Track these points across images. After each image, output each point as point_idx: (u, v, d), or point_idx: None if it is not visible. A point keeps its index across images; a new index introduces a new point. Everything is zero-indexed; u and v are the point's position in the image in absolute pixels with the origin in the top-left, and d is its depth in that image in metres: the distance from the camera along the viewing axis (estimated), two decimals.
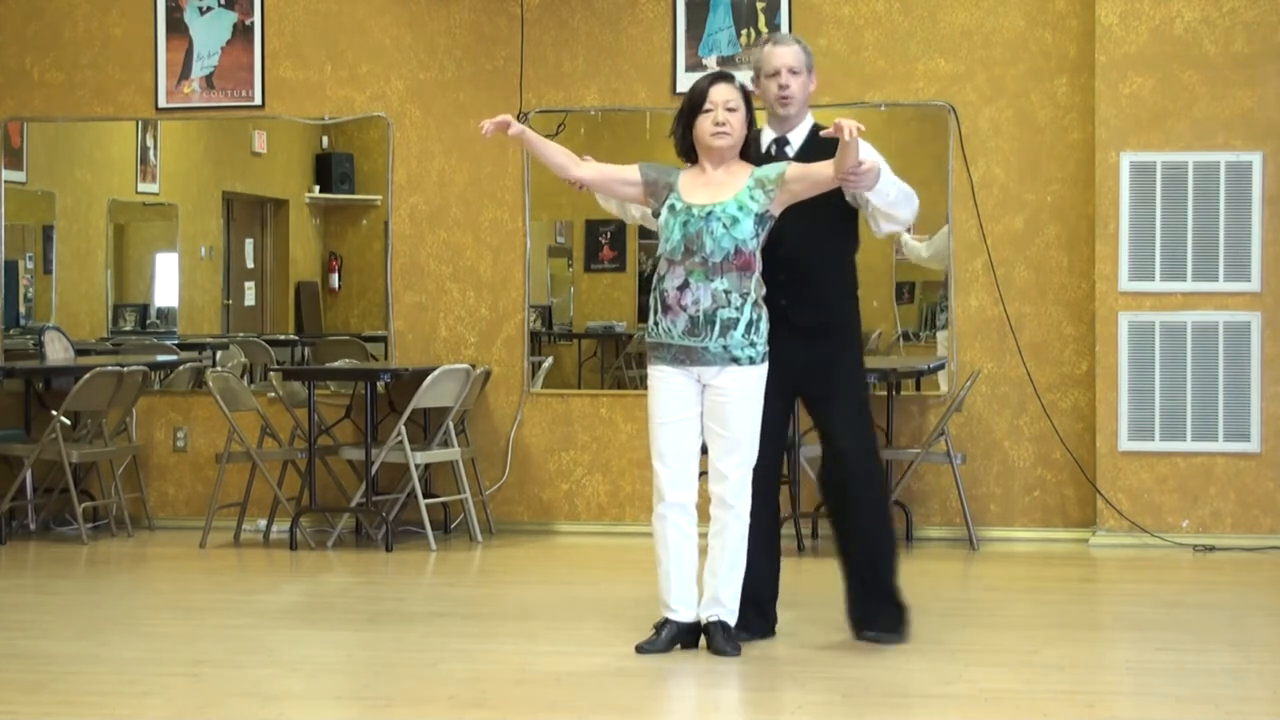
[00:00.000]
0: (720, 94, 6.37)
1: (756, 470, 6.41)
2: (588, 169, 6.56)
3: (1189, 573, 8.66)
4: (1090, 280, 9.51)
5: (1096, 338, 9.42)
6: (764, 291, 6.41)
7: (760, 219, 6.35)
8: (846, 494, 6.59)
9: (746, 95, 6.45)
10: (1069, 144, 9.63)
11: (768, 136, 6.61)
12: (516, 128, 6.47)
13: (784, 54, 6.55)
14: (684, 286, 6.32)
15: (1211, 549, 9.14)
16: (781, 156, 6.51)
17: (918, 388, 9.98)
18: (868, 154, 6.24)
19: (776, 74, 6.53)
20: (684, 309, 6.31)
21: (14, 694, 5.87)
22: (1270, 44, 9.26)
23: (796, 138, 6.58)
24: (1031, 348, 9.62)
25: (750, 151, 6.48)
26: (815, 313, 6.52)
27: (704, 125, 6.37)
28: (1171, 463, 9.33)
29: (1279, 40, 9.26)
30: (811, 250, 6.49)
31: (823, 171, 6.32)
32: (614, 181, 6.56)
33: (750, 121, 6.45)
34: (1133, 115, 9.33)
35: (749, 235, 6.31)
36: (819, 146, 6.40)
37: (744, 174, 6.41)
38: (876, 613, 6.62)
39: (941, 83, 9.73)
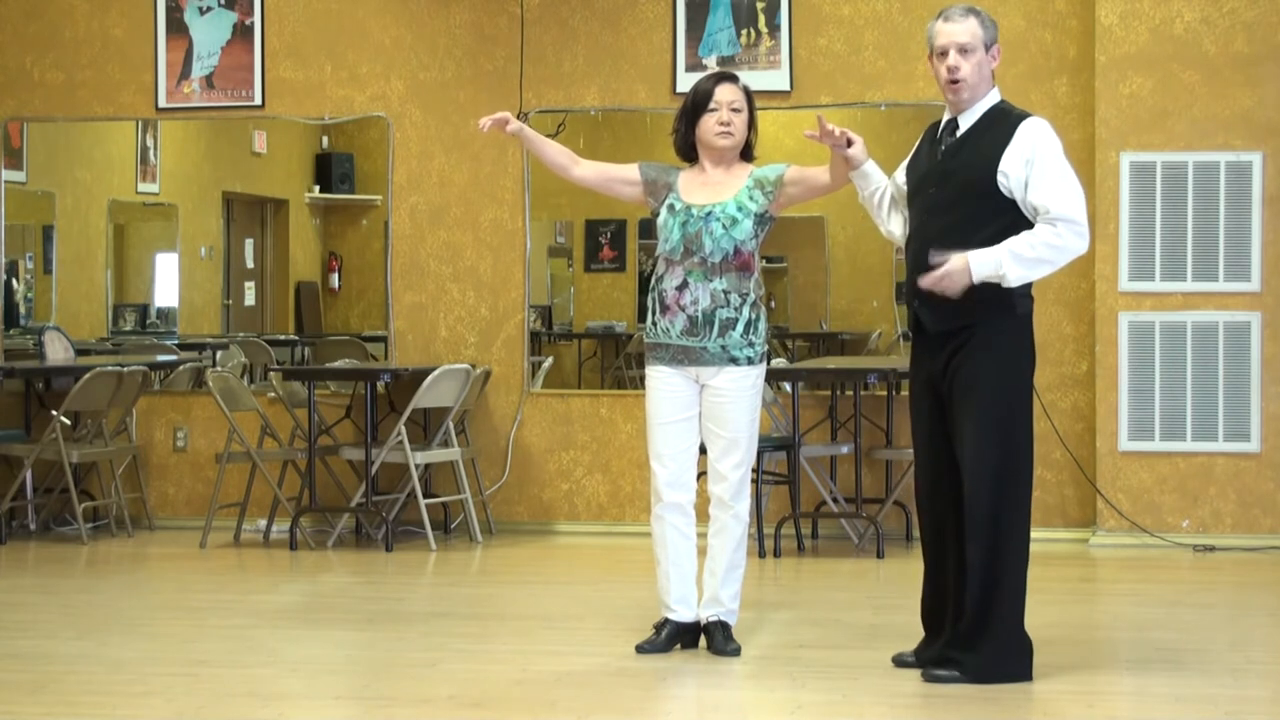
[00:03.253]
0: (725, 94, 6.37)
1: (929, 496, 6.01)
2: (586, 168, 6.57)
3: (1189, 573, 8.66)
4: (1090, 280, 9.51)
5: (1096, 338, 9.42)
6: (762, 291, 6.42)
7: (760, 219, 6.35)
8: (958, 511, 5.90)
9: (749, 96, 6.45)
10: (1069, 144, 9.53)
11: (944, 117, 6.13)
12: (515, 125, 6.48)
13: (954, 30, 5.98)
14: (683, 286, 6.32)
15: (1211, 549, 9.14)
16: (948, 140, 6.04)
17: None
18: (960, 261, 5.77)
19: (945, 54, 6.00)
20: (683, 309, 6.32)
21: (14, 694, 5.88)
22: (1270, 44, 9.26)
23: (967, 120, 6.04)
24: None
25: (750, 152, 6.49)
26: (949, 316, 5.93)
27: (708, 124, 6.37)
28: (1171, 463, 9.33)
29: (1279, 40, 9.26)
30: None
31: (819, 177, 6.33)
32: (613, 180, 6.57)
33: (753, 123, 6.45)
34: (1133, 115, 9.33)
35: (748, 235, 6.31)
36: (991, 131, 5.98)
37: (743, 174, 6.41)
38: (948, 656, 5.93)
39: None
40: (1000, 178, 5.87)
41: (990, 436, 5.80)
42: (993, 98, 6.04)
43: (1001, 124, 5.92)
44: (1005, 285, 5.79)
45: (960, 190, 5.89)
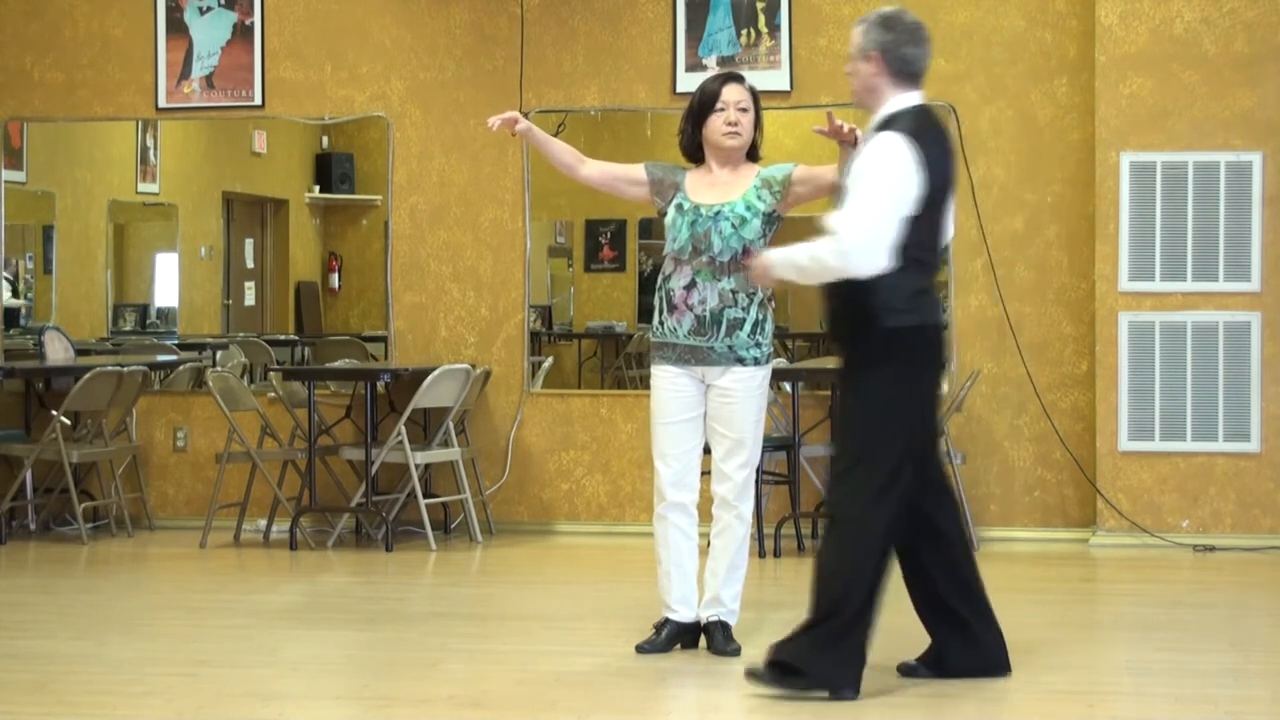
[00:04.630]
0: (732, 94, 6.38)
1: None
2: (593, 167, 6.57)
3: (1189, 573, 8.66)
4: (1090, 280, 9.51)
5: (1096, 338, 9.42)
6: (770, 292, 6.41)
7: (768, 219, 6.36)
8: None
9: (756, 96, 6.46)
10: (1069, 144, 9.63)
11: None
12: (523, 124, 6.49)
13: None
14: (691, 286, 6.32)
15: (1211, 549, 9.14)
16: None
17: None
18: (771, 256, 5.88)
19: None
20: (690, 308, 6.31)
21: (14, 694, 5.88)
22: (1270, 44, 9.26)
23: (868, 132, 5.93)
24: (1031, 348, 9.62)
25: (756, 152, 6.49)
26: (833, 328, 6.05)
27: (716, 124, 6.37)
28: (1171, 463, 9.33)
29: (1279, 40, 9.26)
30: None
31: (827, 175, 6.32)
32: (619, 180, 6.57)
33: (758, 123, 6.45)
34: (1133, 115, 9.33)
35: (757, 235, 6.32)
36: (865, 144, 5.89)
37: (750, 174, 6.42)
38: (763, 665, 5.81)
39: (941, 82, 9.71)
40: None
41: (840, 445, 5.86)
42: (890, 105, 5.78)
43: (869, 137, 5.81)
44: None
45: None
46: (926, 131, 5.73)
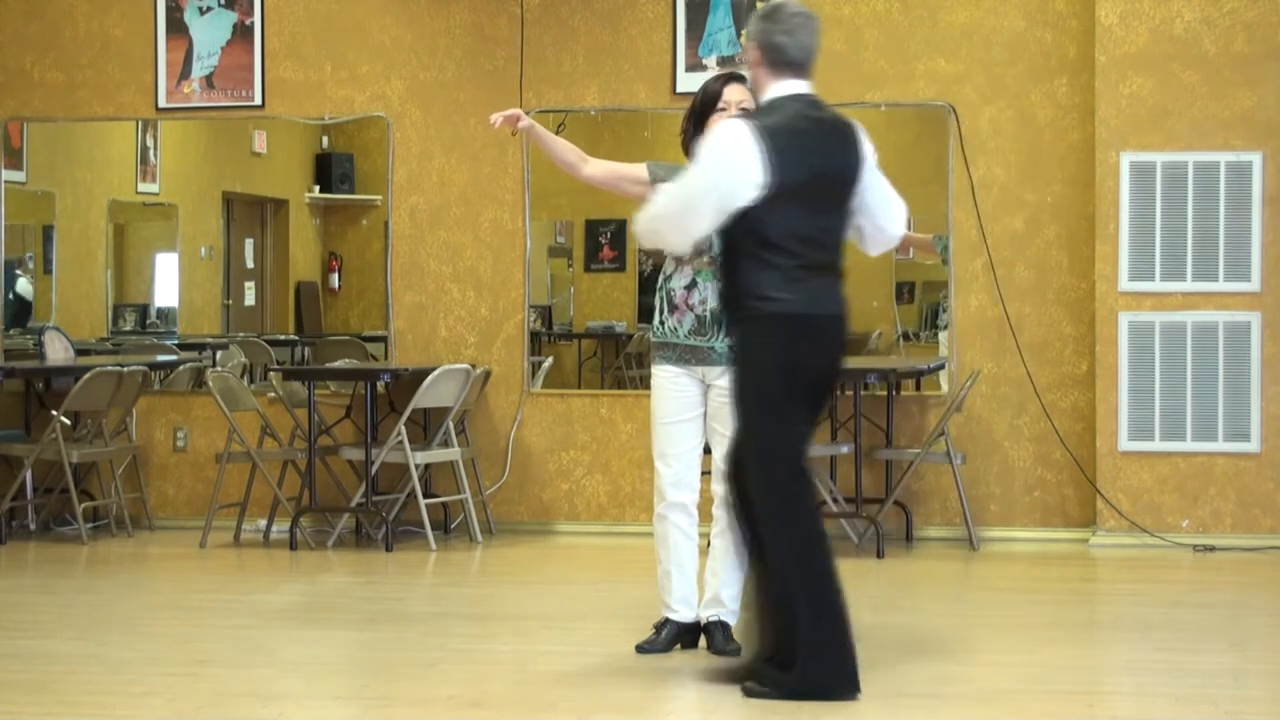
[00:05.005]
0: (734, 94, 6.38)
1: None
2: (595, 166, 6.56)
3: (1189, 573, 8.66)
4: (1090, 280, 9.51)
5: (1096, 338, 9.42)
6: None
7: None
8: None
9: (757, 98, 6.45)
10: (1069, 144, 9.63)
11: None
12: (526, 121, 6.49)
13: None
14: (691, 286, 6.32)
15: (1211, 549, 9.14)
16: None
17: (918, 388, 9.98)
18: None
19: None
20: (691, 308, 6.31)
21: (14, 694, 5.88)
22: (1270, 44, 9.26)
23: None
24: (1031, 348, 9.62)
25: None
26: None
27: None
28: (1171, 463, 9.33)
29: (1279, 40, 9.26)
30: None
31: None
32: (622, 179, 6.56)
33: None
34: (1133, 115, 9.33)
35: None
36: None
37: None
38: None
39: (941, 83, 9.74)
40: None
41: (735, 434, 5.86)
42: (768, 94, 5.88)
43: None
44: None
45: None
46: (786, 122, 5.76)
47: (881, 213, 5.94)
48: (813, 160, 5.74)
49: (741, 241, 5.74)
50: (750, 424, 5.76)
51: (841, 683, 5.66)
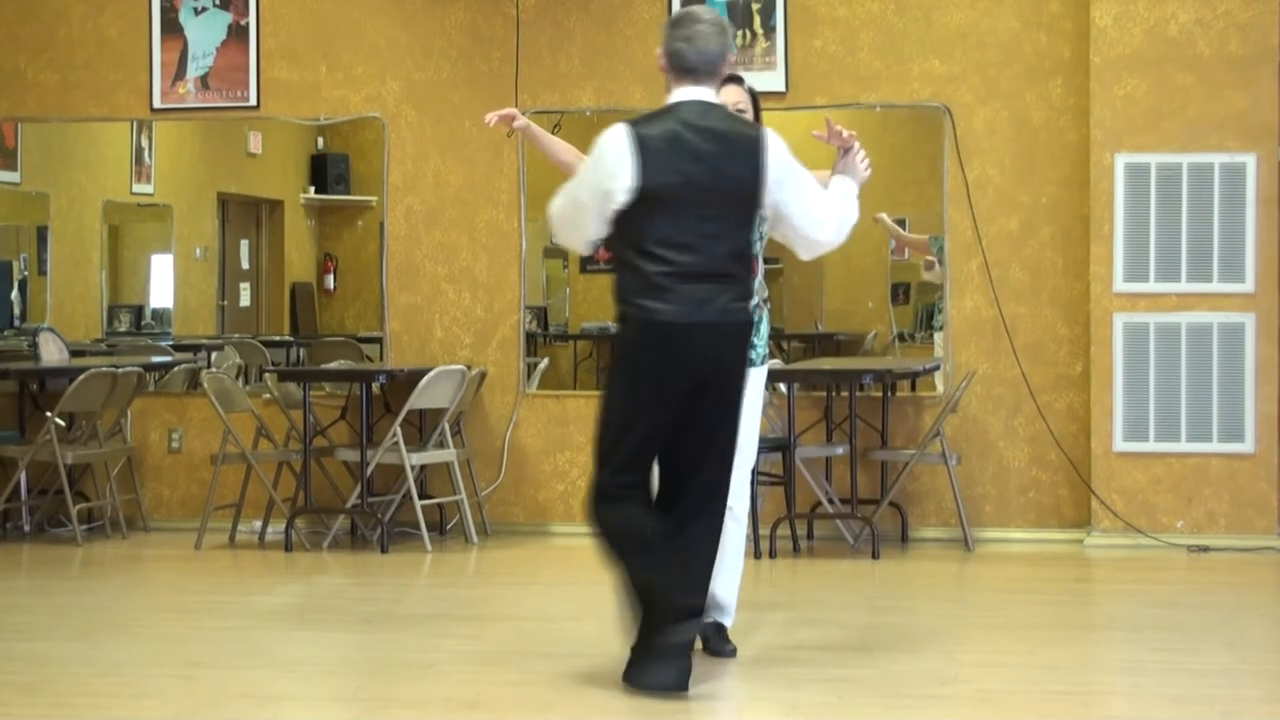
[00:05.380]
0: (729, 95, 6.36)
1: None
2: None
3: (1183, 573, 8.67)
4: (1085, 281, 9.51)
5: (1091, 339, 9.43)
6: (766, 294, 6.41)
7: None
8: None
9: (754, 97, 6.45)
10: (1064, 145, 9.64)
11: None
12: (521, 121, 6.50)
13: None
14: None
15: (1206, 549, 9.15)
16: None
17: (913, 389, 9.98)
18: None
19: None
20: None
21: (9, 696, 5.87)
22: (1264, 45, 9.27)
23: None
24: (1026, 349, 9.63)
25: None
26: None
27: None
28: (1166, 463, 9.33)
29: (1273, 42, 9.27)
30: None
31: (822, 179, 6.32)
32: None
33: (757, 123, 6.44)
34: (1127, 117, 9.34)
35: (752, 238, 6.30)
36: None
37: None
38: None
39: (936, 84, 9.74)
40: None
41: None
42: (669, 99, 5.96)
43: None
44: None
45: None
46: (666, 127, 5.77)
47: (802, 224, 5.91)
48: (687, 167, 5.73)
49: (618, 246, 5.82)
50: (599, 423, 5.85)
51: (659, 681, 5.77)
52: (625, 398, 5.83)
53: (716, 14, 5.97)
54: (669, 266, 5.72)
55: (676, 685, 5.76)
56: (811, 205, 5.91)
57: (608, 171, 5.73)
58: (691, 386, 5.79)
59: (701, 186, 5.73)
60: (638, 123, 5.80)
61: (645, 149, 5.71)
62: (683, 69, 5.84)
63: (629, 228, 5.75)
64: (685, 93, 5.84)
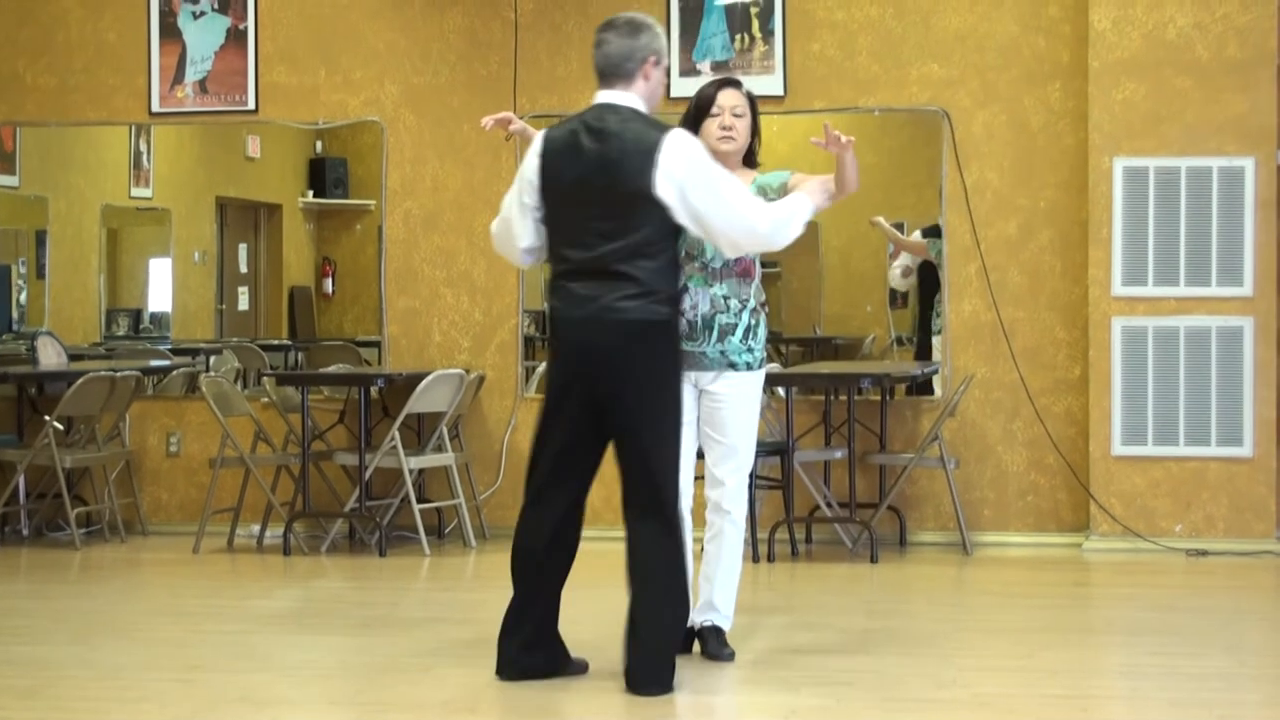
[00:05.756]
0: (728, 99, 6.39)
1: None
2: None
3: (1182, 577, 8.67)
4: (1083, 285, 9.51)
5: (1090, 342, 9.42)
6: (764, 298, 6.42)
7: None
8: None
9: (753, 101, 6.46)
10: (1062, 149, 9.65)
11: None
12: (518, 124, 6.51)
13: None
14: (682, 291, 6.32)
15: (1204, 553, 9.15)
16: None
17: (911, 393, 9.98)
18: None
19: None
20: (682, 314, 6.31)
21: (7, 699, 5.87)
22: (1263, 49, 9.27)
23: None
24: (1025, 352, 9.63)
25: (753, 158, 6.49)
26: None
27: (710, 129, 6.38)
28: (1164, 467, 9.33)
29: (1271, 46, 9.27)
30: None
31: (824, 184, 6.34)
32: None
33: (755, 129, 6.45)
34: (1125, 120, 9.34)
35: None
36: None
37: (746, 180, 6.41)
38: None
39: (935, 88, 9.74)
40: None
41: None
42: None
43: None
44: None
45: None
46: (566, 129, 5.97)
47: (716, 225, 5.87)
48: (577, 168, 5.88)
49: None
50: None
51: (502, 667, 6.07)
52: (542, 409, 6.04)
53: (636, 16, 6.07)
54: (566, 265, 5.94)
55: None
56: (726, 208, 5.87)
57: (523, 175, 5.99)
58: (593, 393, 5.88)
59: (592, 185, 5.86)
60: (553, 128, 6.03)
61: (547, 150, 5.94)
62: (597, 73, 6.02)
63: (547, 230, 5.98)
64: (597, 95, 6.01)
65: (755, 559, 8.95)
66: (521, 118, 6.74)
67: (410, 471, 9.34)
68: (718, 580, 6.40)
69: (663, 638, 5.90)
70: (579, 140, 5.89)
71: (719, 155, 6.38)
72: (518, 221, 6.02)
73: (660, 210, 5.85)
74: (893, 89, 9.76)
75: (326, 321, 12.14)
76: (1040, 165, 9.65)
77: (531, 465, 6.13)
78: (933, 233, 10.03)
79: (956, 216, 9.72)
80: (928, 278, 10.13)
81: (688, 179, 5.83)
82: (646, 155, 5.83)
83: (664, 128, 5.94)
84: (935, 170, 9.77)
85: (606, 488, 10.02)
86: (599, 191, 5.85)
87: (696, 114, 6.43)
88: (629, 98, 5.96)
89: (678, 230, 5.92)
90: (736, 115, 6.38)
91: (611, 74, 5.98)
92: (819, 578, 8.75)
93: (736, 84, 6.47)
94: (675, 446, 5.97)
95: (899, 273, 10.45)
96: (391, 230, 10.20)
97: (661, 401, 5.92)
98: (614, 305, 5.82)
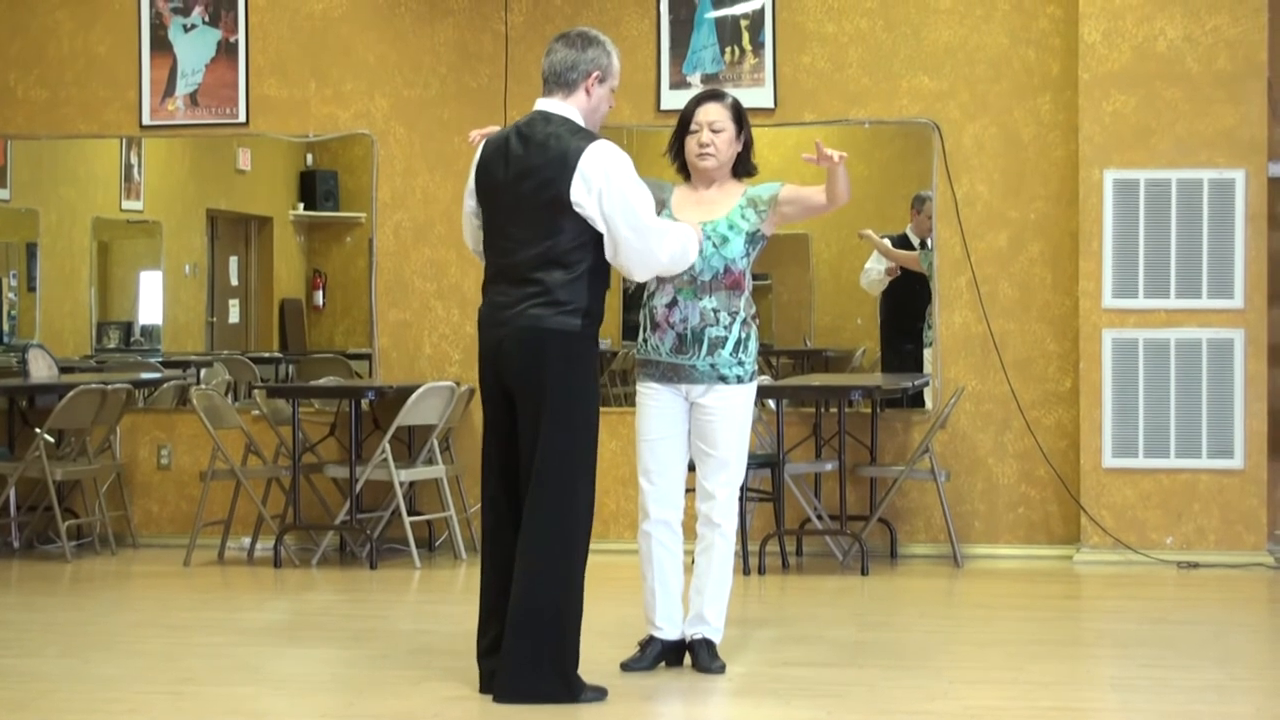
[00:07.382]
0: (706, 114, 6.38)
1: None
2: None
3: (1173, 589, 8.67)
4: (1074, 297, 9.53)
5: (1080, 354, 9.44)
6: (754, 310, 6.42)
7: (751, 238, 6.36)
8: None
9: (740, 113, 6.44)
10: (1052, 161, 9.66)
11: None
12: None
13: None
14: (672, 304, 6.32)
15: (1195, 566, 9.15)
16: None
17: (902, 405, 9.98)
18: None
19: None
20: (672, 326, 6.32)
21: None
22: (1253, 62, 9.29)
23: None
24: (1015, 365, 9.63)
25: (742, 168, 6.48)
26: None
27: (690, 146, 6.39)
28: (1155, 479, 9.34)
29: (1261, 58, 9.29)
30: None
31: (814, 197, 6.35)
32: None
33: (745, 139, 6.44)
34: (1116, 132, 9.36)
35: (739, 254, 6.32)
36: None
37: (737, 192, 6.41)
38: None
39: (925, 100, 9.76)
40: None
41: None
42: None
43: None
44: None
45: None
46: (502, 135, 6.09)
47: (615, 240, 5.89)
48: (503, 172, 5.99)
49: None
50: None
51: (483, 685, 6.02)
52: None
53: (590, 31, 6.11)
54: (490, 269, 6.07)
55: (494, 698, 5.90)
56: (635, 223, 5.88)
57: (469, 180, 6.18)
58: (507, 399, 5.96)
59: (511, 191, 5.96)
60: (495, 134, 6.16)
61: (483, 155, 6.09)
62: (542, 80, 6.10)
63: (483, 233, 6.12)
64: (536, 103, 6.10)
65: (746, 571, 8.95)
66: None
67: (401, 484, 9.34)
68: (708, 593, 6.40)
69: (537, 630, 5.89)
70: (509, 145, 5.99)
71: (700, 171, 6.39)
72: (468, 225, 6.21)
73: (577, 219, 5.87)
74: (883, 101, 9.78)
75: (317, 334, 12.14)
76: (1031, 177, 9.67)
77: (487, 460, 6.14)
78: (903, 243, 10.13)
79: (947, 229, 9.73)
80: (919, 291, 10.13)
81: (605, 187, 5.85)
82: (567, 162, 5.87)
83: (592, 137, 5.95)
84: (926, 182, 9.78)
85: (596, 500, 10.02)
86: (520, 197, 5.93)
87: (679, 129, 6.44)
88: (566, 108, 6.00)
89: (599, 242, 5.91)
90: (715, 131, 6.37)
91: (554, 82, 6.03)
92: (810, 590, 8.75)
93: (719, 96, 6.45)
94: (576, 462, 5.90)
95: (880, 273, 10.39)
96: (382, 243, 10.20)
97: (566, 414, 5.86)
98: (523, 312, 5.89)
